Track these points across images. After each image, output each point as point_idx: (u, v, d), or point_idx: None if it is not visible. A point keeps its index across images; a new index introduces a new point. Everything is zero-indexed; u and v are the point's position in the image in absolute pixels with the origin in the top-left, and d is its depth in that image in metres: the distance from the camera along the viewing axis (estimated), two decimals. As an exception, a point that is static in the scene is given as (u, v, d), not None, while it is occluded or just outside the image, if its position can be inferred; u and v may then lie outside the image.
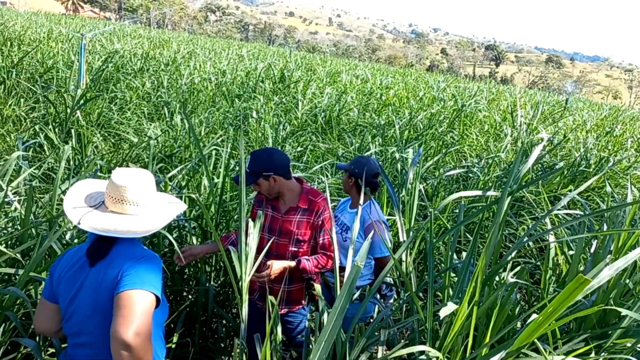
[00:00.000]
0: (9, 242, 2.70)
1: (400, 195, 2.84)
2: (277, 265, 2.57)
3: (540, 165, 6.08)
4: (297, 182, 2.75)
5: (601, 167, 6.26)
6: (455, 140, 8.28)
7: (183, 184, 3.90)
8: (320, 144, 6.66)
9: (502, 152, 7.35)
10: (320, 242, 2.69)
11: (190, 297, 3.24)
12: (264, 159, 2.59)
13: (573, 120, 12.14)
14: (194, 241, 3.40)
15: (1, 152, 5.26)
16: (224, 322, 3.24)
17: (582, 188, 2.33)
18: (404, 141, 7.68)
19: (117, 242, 1.76)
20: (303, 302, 2.81)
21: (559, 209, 3.76)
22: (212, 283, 3.19)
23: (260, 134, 6.92)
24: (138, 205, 1.79)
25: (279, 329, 2.38)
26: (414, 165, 2.74)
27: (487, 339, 2.16)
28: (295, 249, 2.68)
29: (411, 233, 2.79)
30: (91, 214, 1.75)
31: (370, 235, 2.32)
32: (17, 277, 2.28)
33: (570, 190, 5.59)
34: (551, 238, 3.26)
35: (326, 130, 7.79)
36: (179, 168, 3.99)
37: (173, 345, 2.71)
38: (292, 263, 2.63)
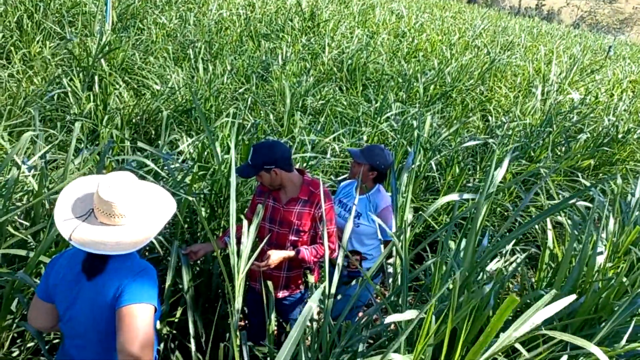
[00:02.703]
0: (22, 216, 2.86)
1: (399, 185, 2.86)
2: (276, 256, 2.69)
3: (564, 134, 5.95)
4: (298, 173, 2.81)
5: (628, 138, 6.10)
6: (483, 97, 8.08)
7: (194, 154, 3.98)
8: (342, 99, 6.60)
9: (529, 113, 7.19)
10: (320, 232, 2.77)
11: (197, 269, 3.40)
12: (265, 153, 2.65)
13: (612, 73, 11.62)
14: (203, 213, 3.53)
15: (28, 94, 5.38)
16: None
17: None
18: (428, 96, 7.56)
19: (111, 256, 1.83)
20: (301, 287, 2.95)
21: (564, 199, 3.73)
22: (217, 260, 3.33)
23: (282, 84, 6.89)
24: (127, 216, 1.83)
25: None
26: (407, 170, 2.74)
27: (458, 351, 2.25)
28: (295, 239, 2.78)
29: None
30: (80, 228, 1.78)
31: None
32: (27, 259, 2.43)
33: (590, 165, 5.50)
34: (549, 234, 3.26)
35: (350, 81, 7.68)
36: (189, 142, 4.06)
37: (176, 320, 2.90)
38: (292, 253, 2.74)
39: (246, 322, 3.44)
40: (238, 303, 2.44)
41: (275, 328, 2.85)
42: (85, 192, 1.90)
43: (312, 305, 1.76)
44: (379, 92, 7.28)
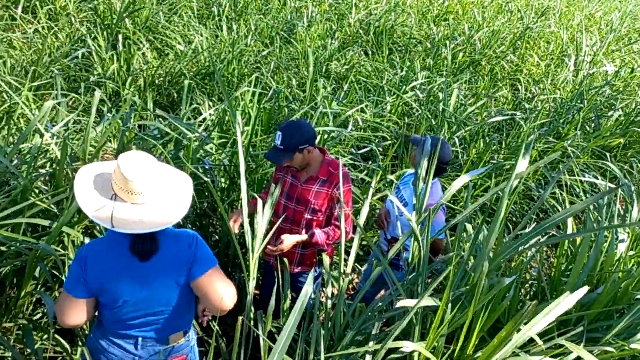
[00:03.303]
0: (45, 182, 2.90)
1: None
2: (289, 240, 2.70)
3: (594, 110, 5.76)
4: (319, 152, 2.78)
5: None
6: (514, 65, 7.84)
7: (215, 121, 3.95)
8: (367, 65, 6.47)
9: (560, 85, 6.98)
10: (336, 213, 2.77)
11: (215, 237, 3.44)
12: (298, 134, 2.61)
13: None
14: (222, 181, 3.54)
15: (53, 52, 5.39)
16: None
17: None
18: (456, 63, 7.36)
19: (158, 232, 1.87)
20: (314, 263, 2.97)
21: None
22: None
23: (306, 48, 6.77)
24: (152, 194, 1.85)
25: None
26: (426, 156, 2.69)
27: (472, 341, 2.26)
28: (311, 217, 2.78)
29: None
30: (118, 211, 1.79)
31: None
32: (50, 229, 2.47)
33: (619, 144, 5.34)
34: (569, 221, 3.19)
35: (376, 45, 7.50)
36: (210, 110, 4.02)
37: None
38: (305, 237, 2.75)
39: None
40: (252, 281, 2.48)
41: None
42: (100, 178, 1.89)
43: (308, 289, 1.78)
44: (406, 58, 7.12)
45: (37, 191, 2.81)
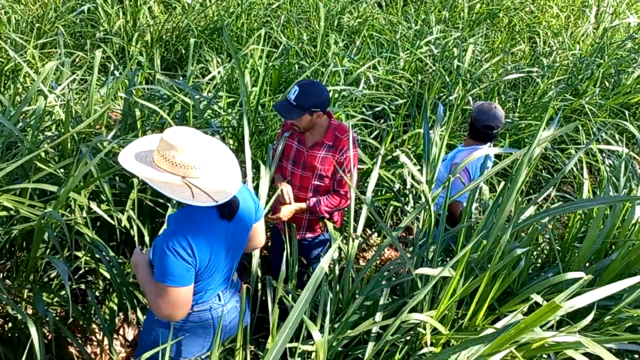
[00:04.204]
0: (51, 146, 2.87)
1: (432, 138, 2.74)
2: (287, 209, 2.70)
3: (615, 67, 5.56)
4: (326, 116, 2.71)
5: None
6: (533, 17, 7.56)
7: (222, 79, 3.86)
8: (380, 18, 6.27)
9: (579, 39, 6.73)
10: (338, 178, 2.72)
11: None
12: (314, 94, 2.54)
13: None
14: (231, 143, 3.49)
15: (58, 6, 5.27)
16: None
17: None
18: (473, 15, 7.12)
19: None
20: (324, 228, 2.94)
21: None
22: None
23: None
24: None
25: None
26: (440, 123, 2.60)
27: (482, 310, 2.24)
28: (318, 183, 2.74)
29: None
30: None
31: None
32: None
33: (639, 102, 5.17)
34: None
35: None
36: (218, 69, 3.92)
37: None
38: (303, 205, 2.73)
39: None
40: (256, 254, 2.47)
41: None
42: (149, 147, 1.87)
43: (323, 267, 1.74)
44: (420, 10, 6.88)
45: (43, 154, 2.79)
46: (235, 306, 2.15)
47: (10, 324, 2.62)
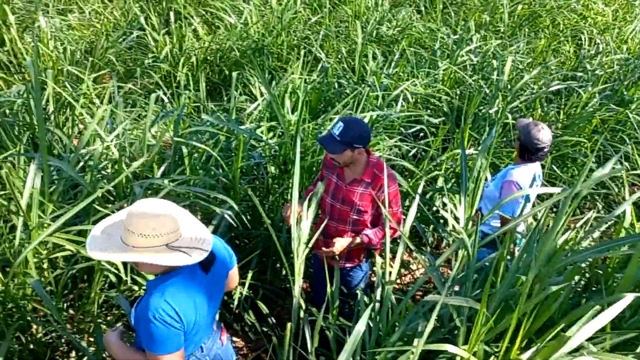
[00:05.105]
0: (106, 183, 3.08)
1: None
2: (340, 244, 2.79)
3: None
4: (365, 152, 2.80)
5: None
6: (577, 15, 7.37)
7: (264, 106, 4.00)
8: (419, 26, 6.27)
9: (627, 38, 6.53)
10: (378, 213, 2.81)
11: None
12: (358, 129, 2.64)
13: None
14: (272, 170, 3.63)
15: (109, 33, 5.55)
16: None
17: None
18: (515, 17, 7.01)
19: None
20: (363, 259, 3.05)
21: None
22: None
23: (357, 8, 6.62)
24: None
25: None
26: (482, 155, 2.63)
27: (517, 344, 2.28)
28: (357, 218, 2.84)
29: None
30: (189, 242, 1.87)
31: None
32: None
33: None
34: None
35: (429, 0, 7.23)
36: (259, 101, 4.04)
37: (247, 282, 3.12)
38: (357, 240, 2.82)
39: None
40: (298, 287, 2.59)
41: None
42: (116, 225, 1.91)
43: (360, 330, 1.81)
44: (460, 13, 6.84)
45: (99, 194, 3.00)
46: (218, 353, 2.18)
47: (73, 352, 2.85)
